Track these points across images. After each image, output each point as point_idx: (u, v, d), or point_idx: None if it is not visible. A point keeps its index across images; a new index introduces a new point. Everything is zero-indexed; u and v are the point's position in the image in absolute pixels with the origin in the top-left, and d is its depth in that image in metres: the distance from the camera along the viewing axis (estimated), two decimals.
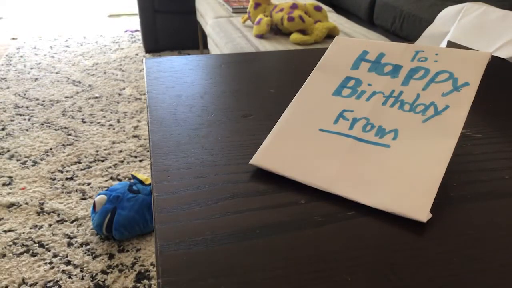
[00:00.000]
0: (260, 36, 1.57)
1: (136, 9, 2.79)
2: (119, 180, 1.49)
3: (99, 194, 1.26)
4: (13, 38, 3.19)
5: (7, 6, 4.07)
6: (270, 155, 0.33)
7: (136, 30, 3.29)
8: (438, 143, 0.30)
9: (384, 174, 0.29)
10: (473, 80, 0.35)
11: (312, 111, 0.36)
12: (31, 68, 2.56)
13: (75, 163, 1.59)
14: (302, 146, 0.34)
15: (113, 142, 1.73)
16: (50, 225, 1.28)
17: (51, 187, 1.44)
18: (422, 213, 0.26)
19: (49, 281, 1.08)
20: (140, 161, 1.60)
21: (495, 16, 0.65)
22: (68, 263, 1.14)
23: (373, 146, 0.32)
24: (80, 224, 1.28)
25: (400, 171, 0.29)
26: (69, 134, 1.80)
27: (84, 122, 1.90)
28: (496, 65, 0.61)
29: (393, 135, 0.32)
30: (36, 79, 2.40)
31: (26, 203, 1.37)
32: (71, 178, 1.49)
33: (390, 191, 0.27)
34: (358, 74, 0.38)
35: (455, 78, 0.35)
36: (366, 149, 0.32)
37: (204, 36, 2.51)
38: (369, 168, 0.30)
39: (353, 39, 0.41)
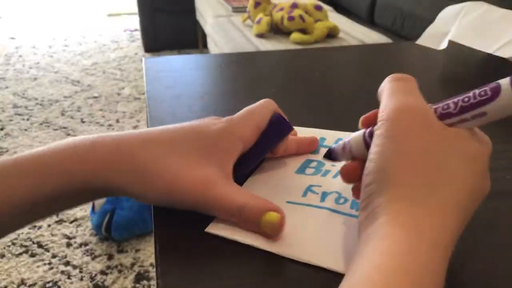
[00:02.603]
0: (260, 36, 1.56)
1: (135, 8, 2.78)
2: None
3: None
4: (12, 38, 3.19)
5: (5, 6, 4.07)
6: (228, 224, 0.28)
7: (136, 30, 3.28)
8: None
9: None
10: None
11: (276, 186, 0.32)
12: (30, 68, 2.56)
13: None
14: None
15: None
16: (49, 226, 1.27)
17: None
18: None
19: (48, 282, 1.08)
20: None
21: (496, 16, 0.65)
22: (67, 263, 1.14)
23: (353, 218, 0.28)
24: (79, 225, 1.28)
25: None
26: (68, 134, 1.79)
27: (83, 122, 1.90)
28: (496, 65, 0.60)
29: None
30: (35, 78, 2.39)
31: None
32: None
33: None
34: (320, 157, 0.35)
35: None
36: (346, 220, 0.28)
37: (204, 36, 2.50)
38: (350, 240, 0.27)
39: (310, 129, 0.40)
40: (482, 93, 0.22)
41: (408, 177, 0.21)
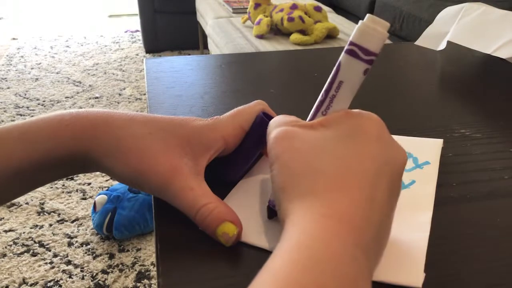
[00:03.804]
0: (260, 37, 1.57)
1: (136, 10, 2.79)
2: None
3: (99, 194, 1.27)
4: (14, 38, 3.20)
5: (7, 6, 4.07)
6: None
7: (137, 30, 3.29)
8: (414, 215, 0.29)
9: None
10: (433, 160, 0.35)
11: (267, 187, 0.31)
12: (32, 68, 2.56)
13: None
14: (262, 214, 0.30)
15: None
16: (50, 225, 1.28)
17: (51, 187, 1.44)
18: (418, 280, 0.25)
19: (50, 281, 1.09)
20: None
21: (494, 16, 0.65)
22: (68, 262, 1.14)
23: None
24: (81, 224, 1.28)
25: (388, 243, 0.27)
26: None
27: None
28: (496, 65, 0.61)
29: None
30: (37, 79, 2.40)
31: (27, 203, 1.37)
32: (72, 178, 1.50)
33: (382, 262, 0.26)
34: None
35: (414, 157, 0.36)
36: None
37: (204, 36, 2.51)
38: None
39: None
40: (333, 71, 0.26)
41: (292, 180, 0.24)
